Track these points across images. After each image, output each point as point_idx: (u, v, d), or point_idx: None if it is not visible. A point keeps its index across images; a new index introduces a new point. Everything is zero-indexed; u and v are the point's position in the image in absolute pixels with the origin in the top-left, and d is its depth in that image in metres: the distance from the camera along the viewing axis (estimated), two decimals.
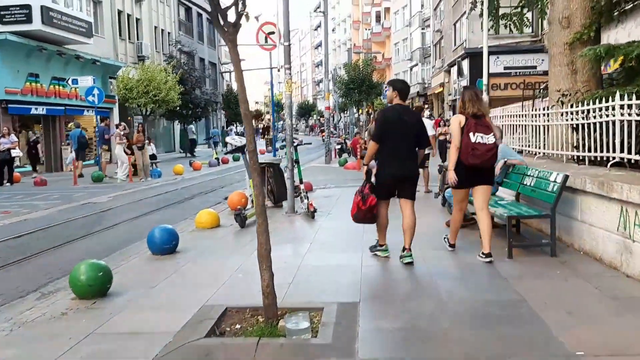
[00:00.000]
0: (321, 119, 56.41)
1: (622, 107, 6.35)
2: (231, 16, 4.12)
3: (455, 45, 35.04)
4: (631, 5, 10.27)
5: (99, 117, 22.08)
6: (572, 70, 9.27)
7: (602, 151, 6.84)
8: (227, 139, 11.17)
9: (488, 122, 6.18)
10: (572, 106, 7.67)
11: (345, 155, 26.19)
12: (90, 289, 5.34)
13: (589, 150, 7.17)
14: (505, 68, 29.63)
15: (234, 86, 37.81)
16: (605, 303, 4.74)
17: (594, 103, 6.95)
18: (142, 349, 4.06)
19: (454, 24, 35.18)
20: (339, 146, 27.98)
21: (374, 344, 4.04)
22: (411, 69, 53.50)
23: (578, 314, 4.48)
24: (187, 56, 42.38)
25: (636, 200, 5.14)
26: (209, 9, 4.08)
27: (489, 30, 16.88)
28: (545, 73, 28.53)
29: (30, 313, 5.07)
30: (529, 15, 14.90)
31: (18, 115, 23.09)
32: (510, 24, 13.36)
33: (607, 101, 6.63)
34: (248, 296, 5.05)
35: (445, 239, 6.84)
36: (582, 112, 7.30)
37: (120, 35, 32.28)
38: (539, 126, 9.11)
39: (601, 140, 6.83)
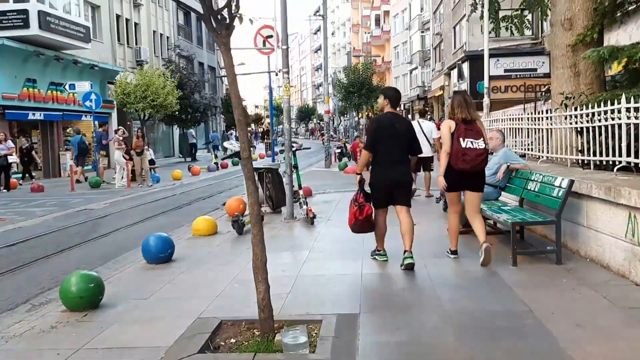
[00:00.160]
0: (321, 122, 56.26)
1: (628, 110, 6.18)
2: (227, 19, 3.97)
3: (455, 48, 34.92)
4: (634, 6, 10.13)
5: (97, 122, 21.91)
6: (574, 72, 9.13)
7: (607, 155, 6.67)
8: (225, 144, 11.05)
9: (478, 127, 6.20)
10: (576, 109, 7.50)
11: (345, 159, 26.02)
12: (81, 301, 5.17)
13: (594, 154, 7.00)
14: (505, 71, 29.50)
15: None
16: (615, 314, 4.56)
17: (599, 106, 6.79)
18: None
19: (454, 27, 35.07)
20: (339, 150, 27.81)
21: None
22: (411, 72, 53.37)
23: (587, 326, 4.30)
24: (186, 60, 42.28)
25: None
26: (202, 11, 3.93)
27: (489, 32, 16.74)
28: (546, 75, 28.62)
29: (19, 327, 4.89)
30: (529, 17, 14.75)
31: (15, 120, 22.95)
32: (511, 27, 13.22)
33: (612, 104, 6.46)
34: (244, 307, 4.88)
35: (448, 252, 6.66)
36: (587, 115, 7.13)
37: (118, 40, 32.17)
38: (542, 129, 8.95)
39: (607, 143, 6.66)
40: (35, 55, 22.83)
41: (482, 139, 6.11)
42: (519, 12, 13.92)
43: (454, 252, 6.53)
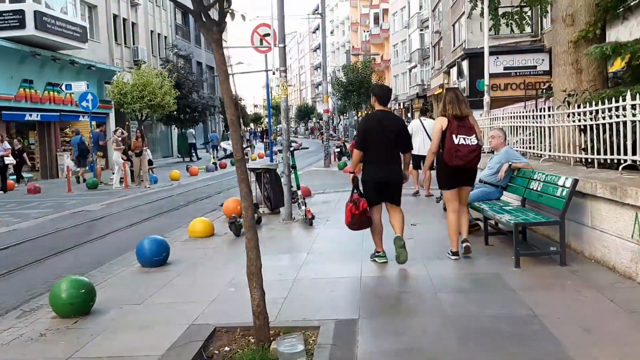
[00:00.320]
0: (320, 122, 56.11)
1: (633, 107, 6.03)
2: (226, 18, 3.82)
3: (454, 46, 34.76)
4: (637, 0, 9.95)
5: (94, 122, 21.75)
6: (576, 69, 8.96)
7: (612, 153, 6.51)
8: (223, 144, 10.90)
9: (470, 123, 6.21)
10: (579, 106, 7.33)
11: (344, 158, 25.83)
12: (72, 307, 5.02)
13: (598, 153, 6.84)
14: (505, 68, 29.35)
15: (232, 89, 37.59)
16: (623, 318, 4.40)
17: (603, 103, 6.62)
18: None
19: (453, 25, 34.90)
20: (338, 149, 27.62)
21: None
22: (410, 71, 53.20)
23: (595, 331, 4.14)
24: (184, 60, 42.10)
25: None
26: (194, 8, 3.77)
27: (489, 30, 16.57)
28: (546, 73, 28.48)
29: (8, 334, 4.74)
30: (529, 13, 14.58)
31: (12, 121, 22.79)
32: (511, 23, 13.04)
33: (617, 101, 6.30)
34: (239, 313, 4.71)
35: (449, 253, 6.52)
36: (591, 112, 6.97)
37: (116, 39, 32.00)
38: (544, 127, 8.79)
39: (611, 141, 6.50)
40: (32, 55, 22.65)
41: (474, 135, 6.13)
42: (519, 8, 13.75)
43: (455, 254, 6.38)
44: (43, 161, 24.66)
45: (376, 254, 6.45)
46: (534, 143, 9.41)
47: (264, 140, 41.72)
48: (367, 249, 6.83)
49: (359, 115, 46.58)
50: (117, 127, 21.08)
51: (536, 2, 12.25)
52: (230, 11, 3.80)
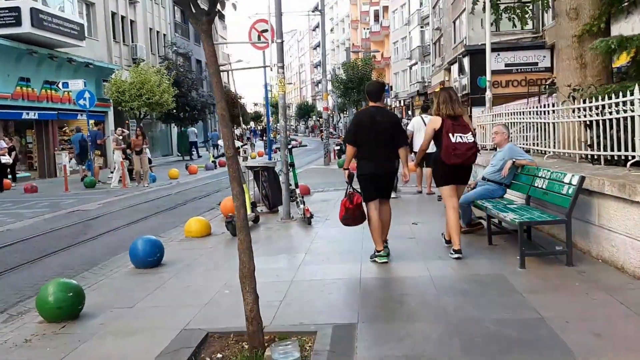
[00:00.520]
0: (320, 119, 55.87)
1: None
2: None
3: (455, 43, 34.50)
4: None
5: (92, 121, 21.53)
6: (581, 64, 8.76)
7: (619, 150, 6.30)
8: (220, 142, 10.65)
9: (465, 121, 6.29)
10: (584, 102, 7.12)
11: (344, 156, 25.59)
12: (60, 311, 4.82)
13: (605, 149, 6.63)
14: (506, 65, 29.09)
15: (232, 87, 37.23)
16: (634, 321, 4.20)
17: (609, 98, 6.42)
18: None
19: (454, 22, 34.64)
20: (338, 147, 27.39)
21: None
22: (410, 68, 52.92)
23: (605, 336, 3.94)
24: (183, 58, 41.86)
25: None
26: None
27: (491, 25, 16.35)
28: (547, 70, 28.24)
29: None
30: (531, 7, 14.35)
31: (9, 120, 22.58)
32: (513, 18, 12.83)
33: (624, 96, 6.09)
34: (233, 317, 4.50)
35: (452, 251, 6.32)
36: (597, 107, 6.75)
37: (114, 37, 31.77)
38: (548, 124, 8.57)
39: (618, 137, 6.29)
40: (29, 53, 22.42)
41: (470, 132, 6.21)
42: (521, 3, 13.55)
43: (458, 252, 6.20)
44: (41, 160, 24.45)
45: (376, 253, 6.28)
46: (538, 140, 9.20)
47: (264, 138, 41.50)
48: (366, 249, 6.65)
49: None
50: (119, 128, 20.84)
51: None
52: (220, 0, 3.59)
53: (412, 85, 52.23)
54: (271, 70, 16.86)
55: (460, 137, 6.12)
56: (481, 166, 9.52)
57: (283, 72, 9.61)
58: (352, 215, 6.32)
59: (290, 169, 9.67)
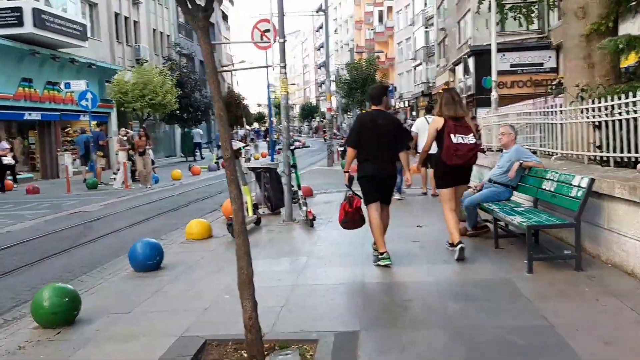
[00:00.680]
0: (324, 120, 55.78)
1: None
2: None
3: (459, 43, 34.30)
4: None
5: (94, 122, 21.43)
6: (588, 64, 8.60)
7: (629, 151, 6.15)
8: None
9: (467, 123, 6.29)
10: (593, 102, 6.96)
11: None
12: (55, 317, 4.70)
13: (614, 150, 6.47)
14: (511, 66, 28.84)
15: (235, 88, 37.14)
16: None
17: (619, 98, 6.27)
18: None
19: (458, 22, 34.44)
20: (342, 148, 27.23)
21: None
22: (415, 68, 52.71)
23: (616, 344, 3.80)
24: (187, 59, 41.79)
25: None
26: None
27: (497, 24, 16.20)
28: (553, 70, 28.02)
29: None
30: (537, 6, 14.22)
31: (10, 121, 22.50)
32: (519, 17, 12.67)
33: (634, 96, 5.94)
34: (233, 323, 4.35)
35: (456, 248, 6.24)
36: (606, 108, 6.60)
37: (117, 38, 31.72)
38: (556, 124, 8.41)
39: (628, 139, 6.14)
40: (31, 54, 22.32)
41: (471, 134, 6.22)
42: (527, 2, 13.41)
43: (460, 243, 6.16)
44: (43, 161, 24.35)
45: (379, 256, 6.15)
46: (544, 141, 9.04)
47: (267, 139, 41.39)
48: (369, 252, 6.52)
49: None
50: (122, 128, 20.72)
51: None
52: None
53: (416, 85, 52.03)
54: (273, 70, 16.77)
55: (462, 138, 6.13)
56: (487, 168, 9.38)
57: (285, 73, 9.48)
58: (351, 219, 6.31)
59: (293, 170, 9.54)
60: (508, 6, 13.54)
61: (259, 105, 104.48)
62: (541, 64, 28.85)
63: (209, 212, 11.69)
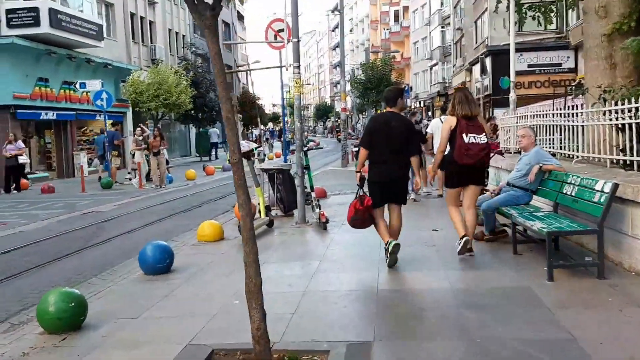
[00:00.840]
0: (338, 120, 55.65)
1: None
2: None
3: (476, 43, 33.95)
4: None
5: (110, 121, 21.47)
6: (610, 64, 8.39)
7: None
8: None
9: (480, 122, 6.27)
10: (616, 103, 6.73)
11: None
12: (60, 322, 4.60)
13: (639, 154, 6.25)
14: (529, 66, 28.49)
15: (250, 88, 37.04)
16: None
17: None
18: None
19: (475, 22, 34.10)
20: (356, 149, 27.05)
21: None
22: (431, 68, 52.38)
23: None
24: (202, 59, 41.86)
25: None
26: None
27: (515, 24, 15.94)
28: (571, 70, 27.61)
29: None
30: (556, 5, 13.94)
31: (28, 120, 22.62)
32: (538, 17, 12.41)
33: None
34: (241, 331, 4.21)
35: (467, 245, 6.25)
36: (629, 110, 6.37)
37: (133, 38, 31.81)
38: (577, 126, 8.17)
39: None
40: (47, 54, 22.43)
41: (484, 134, 6.20)
42: (546, 2, 13.14)
43: (464, 236, 6.23)
44: (59, 160, 24.49)
45: (385, 247, 6.14)
46: (564, 143, 8.80)
47: (282, 139, 41.33)
48: (383, 257, 6.34)
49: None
50: (139, 125, 20.67)
51: None
52: None
53: (432, 85, 51.69)
54: (286, 70, 16.67)
55: (474, 137, 6.10)
56: (506, 171, 9.16)
57: (299, 72, 9.35)
58: (361, 217, 6.22)
59: (306, 172, 9.40)
60: (527, 5, 13.27)
61: (274, 105, 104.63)
62: (559, 64, 28.46)
63: (222, 212, 11.59)
